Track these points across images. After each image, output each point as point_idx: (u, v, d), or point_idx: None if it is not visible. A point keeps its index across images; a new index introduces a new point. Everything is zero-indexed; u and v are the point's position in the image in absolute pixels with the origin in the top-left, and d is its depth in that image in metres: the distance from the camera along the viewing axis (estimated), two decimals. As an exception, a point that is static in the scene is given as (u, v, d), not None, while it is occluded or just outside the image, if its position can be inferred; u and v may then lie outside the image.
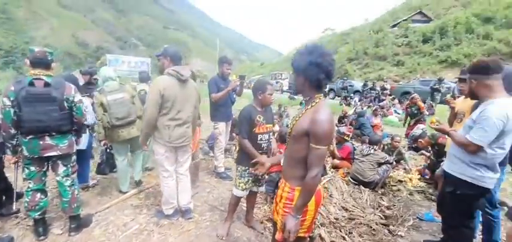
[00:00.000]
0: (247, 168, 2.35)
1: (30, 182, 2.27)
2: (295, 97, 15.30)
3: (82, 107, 2.36)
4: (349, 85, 16.89)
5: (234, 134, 5.29)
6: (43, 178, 2.35)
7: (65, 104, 2.22)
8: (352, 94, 15.87)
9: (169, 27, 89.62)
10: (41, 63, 2.16)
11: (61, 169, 2.34)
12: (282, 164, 1.63)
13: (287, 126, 3.97)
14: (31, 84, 2.08)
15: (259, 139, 2.32)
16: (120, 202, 3.11)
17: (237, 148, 2.59)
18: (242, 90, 4.06)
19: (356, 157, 4.22)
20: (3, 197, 2.78)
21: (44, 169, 2.34)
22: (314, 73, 1.33)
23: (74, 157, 2.45)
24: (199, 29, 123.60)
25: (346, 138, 4.93)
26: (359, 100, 13.77)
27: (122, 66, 21.94)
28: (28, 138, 2.13)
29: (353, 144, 5.20)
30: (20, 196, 2.83)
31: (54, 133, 2.20)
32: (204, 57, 77.57)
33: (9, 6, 51.20)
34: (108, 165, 3.89)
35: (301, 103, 14.67)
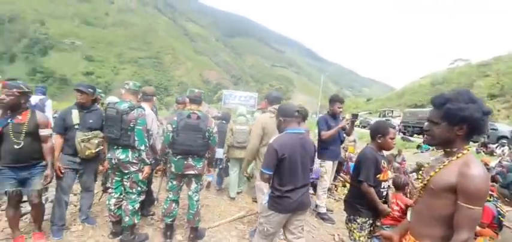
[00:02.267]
0: (367, 219, 2.15)
1: (170, 193, 2.84)
2: (411, 138, 13.07)
3: (216, 139, 2.90)
4: (492, 129, 13.01)
5: (341, 174, 5.01)
6: (179, 192, 2.91)
7: (206, 134, 2.73)
8: (495, 141, 12.15)
9: (277, 65, 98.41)
10: (196, 101, 2.82)
11: (193, 185, 2.84)
12: (408, 219, 1.41)
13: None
14: (189, 116, 2.69)
15: (382, 186, 2.13)
16: (227, 223, 3.42)
17: (348, 194, 2.40)
18: (353, 129, 3.87)
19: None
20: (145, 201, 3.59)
21: (181, 184, 2.89)
22: (478, 123, 1.18)
23: (204, 178, 2.94)
24: (304, 66, 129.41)
25: (488, 198, 3.70)
26: (509, 150, 10.33)
27: (234, 99, 25.44)
28: (177, 157, 2.71)
29: (497, 206, 3.84)
30: (153, 201, 3.63)
31: (195, 156, 2.73)
32: (307, 92, 79.51)
33: (161, 53, 70.20)
34: (225, 173, 4.73)
35: (418, 147, 12.36)
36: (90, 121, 2.80)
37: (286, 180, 2.03)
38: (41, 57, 55.51)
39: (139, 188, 2.73)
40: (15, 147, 2.28)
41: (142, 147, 2.61)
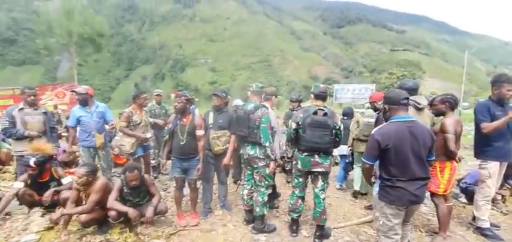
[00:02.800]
0: None
1: (296, 190, 2.96)
2: None
3: (342, 136, 2.83)
4: None
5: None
6: (305, 189, 2.99)
7: (334, 131, 2.69)
8: None
9: (398, 48, 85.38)
10: (321, 96, 2.80)
11: (320, 183, 2.84)
12: None
13: None
14: (315, 113, 2.71)
15: None
16: (354, 225, 3.25)
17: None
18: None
19: None
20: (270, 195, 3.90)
21: (307, 182, 2.97)
22: None
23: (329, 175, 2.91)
24: (436, 44, 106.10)
25: None
26: None
27: (346, 94, 23.97)
28: (304, 154, 2.80)
29: None
30: (278, 195, 3.91)
31: (321, 153, 2.74)
32: (443, 76, 64.96)
33: (270, 56, 74.82)
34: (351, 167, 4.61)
35: None
36: (220, 121, 3.33)
37: (396, 171, 2.00)
38: (181, 74, 71.43)
39: (267, 182, 3.01)
40: (181, 143, 3.00)
41: (267, 144, 2.86)
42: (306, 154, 2.77)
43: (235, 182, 4.45)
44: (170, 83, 68.08)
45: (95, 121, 3.77)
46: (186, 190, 3.39)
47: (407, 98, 2.09)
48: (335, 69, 74.45)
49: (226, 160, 3.26)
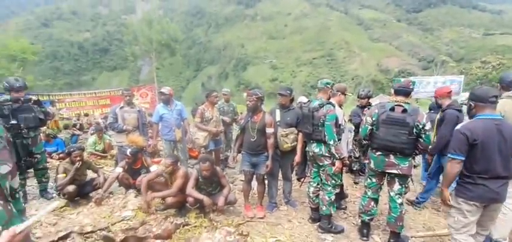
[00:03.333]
0: None
1: (368, 190, 2.85)
2: None
3: (430, 136, 2.51)
4: None
5: None
6: (379, 190, 2.84)
7: (414, 130, 2.45)
8: None
9: (493, 32, 71.12)
10: (402, 92, 2.59)
11: (396, 186, 2.67)
12: None
13: None
14: (392, 109, 2.55)
15: None
16: (436, 236, 2.94)
17: None
18: None
19: None
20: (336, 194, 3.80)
21: (382, 183, 2.82)
22: None
23: (409, 179, 2.69)
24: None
25: None
26: None
27: (426, 87, 21.18)
28: (377, 153, 2.68)
29: None
30: (345, 196, 3.80)
31: (398, 154, 2.56)
32: (562, 64, 51.44)
33: (334, 50, 71.32)
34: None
35: None
36: (288, 119, 3.40)
37: (479, 168, 2.01)
38: (243, 73, 74.37)
39: (333, 181, 2.97)
40: (251, 139, 3.20)
41: (332, 142, 2.81)
42: (379, 153, 2.63)
43: (298, 179, 4.48)
44: (233, 81, 71.65)
45: (175, 118, 4.35)
46: (254, 184, 3.60)
47: (496, 96, 2.04)
48: (411, 60, 66.47)
49: (297, 157, 3.36)
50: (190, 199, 3.24)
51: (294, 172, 4.37)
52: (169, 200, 3.28)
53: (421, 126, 2.43)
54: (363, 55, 69.75)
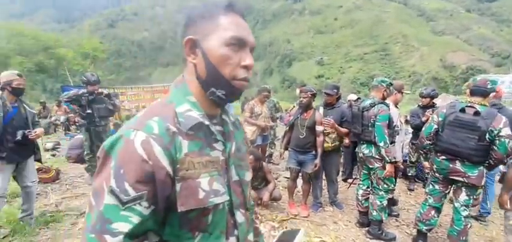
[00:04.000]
0: None
1: (429, 197, 2.62)
2: None
3: (506, 144, 2.14)
4: None
5: None
6: (442, 199, 2.58)
7: (487, 136, 2.18)
8: None
9: None
10: (478, 92, 2.31)
11: (463, 197, 2.39)
12: None
13: None
14: (462, 110, 2.30)
15: None
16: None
17: None
18: None
19: None
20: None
21: (446, 192, 2.56)
22: None
23: (480, 191, 2.42)
24: None
25: None
26: None
27: (501, 86, 18.31)
28: (441, 158, 2.44)
29: None
30: (395, 203, 3.58)
31: (465, 161, 2.29)
32: None
33: (389, 44, 66.06)
34: None
35: None
36: (331, 117, 3.29)
37: None
38: (288, 69, 73.61)
39: (385, 186, 2.80)
40: (300, 136, 3.19)
41: (382, 144, 2.65)
42: (443, 157, 2.41)
43: (344, 180, 4.33)
44: (278, 78, 71.53)
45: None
46: (299, 182, 3.58)
47: None
48: (482, 55, 58.23)
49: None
50: (235, 191, 3.37)
51: (340, 174, 4.25)
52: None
53: (495, 132, 2.13)
54: (422, 49, 63.39)
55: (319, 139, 3.14)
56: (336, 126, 3.24)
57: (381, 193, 2.81)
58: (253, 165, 3.31)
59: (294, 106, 5.69)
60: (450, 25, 71.86)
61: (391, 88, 2.98)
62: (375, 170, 2.82)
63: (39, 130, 2.82)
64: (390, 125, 2.79)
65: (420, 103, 4.32)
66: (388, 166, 2.71)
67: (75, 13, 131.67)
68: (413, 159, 4.50)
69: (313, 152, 3.19)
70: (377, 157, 2.77)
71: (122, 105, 10.61)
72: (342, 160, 4.16)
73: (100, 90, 4.19)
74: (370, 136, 2.77)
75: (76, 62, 25.34)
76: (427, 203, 2.61)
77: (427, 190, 2.65)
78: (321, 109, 3.47)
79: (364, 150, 2.88)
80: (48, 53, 25.55)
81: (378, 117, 2.71)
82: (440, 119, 2.42)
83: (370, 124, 2.77)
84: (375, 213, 2.82)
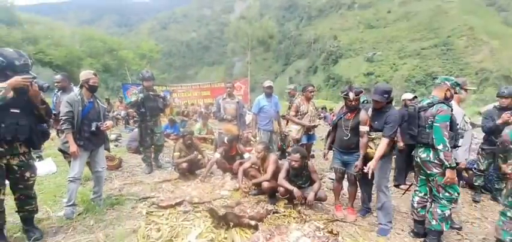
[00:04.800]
0: None
1: (509, 211, 2.40)
2: None
3: None
4: None
5: None
6: None
7: None
8: None
9: None
10: None
11: None
12: None
13: None
14: None
15: None
16: None
17: None
18: None
19: None
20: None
21: None
22: None
23: None
24: None
25: None
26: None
27: None
28: None
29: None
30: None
31: None
32: None
33: (451, 38, 59.06)
34: None
35: None
36: (376, 123, 3.01)
37: None
38: (333, 66, 70.76)
39: (447, 194, 2.56)
40: (344, 137, 3.10)
41: (440, 146, 2.43)
42: None
43: (396, 186, 4.04)
44: (322, 76, 69.43)
45: (273, 109, 4.72)
46: (345, 184, 3.47)
47: None
48: None
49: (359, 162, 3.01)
50: (281, 189, 3.41)
51: (392, 179, 3.99)
52: (265, 185, 3.54)
53: None
54: (493, 43, 55.48)
55: (363, 140, 2.98)
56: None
57: (442, 201, 2.57)
58: (299, 163, 3.30)
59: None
60: (532, 13, 61.48)
61: (457, 88, 2.70)
62: (433, 176, 2.59)
63: (109, 122, 3.26)
64: (452, 127, 2.54)
65: (497, 104, 3.83)
66: (448, 172, 2.46)
67: (133, 18, 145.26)
68: (482, 167, 4.01)
69: (358, 153, 3.06)
70: (436, 161, 2.54)
71: (173, 102, 11.45)
72: (393, 166, 3.89)
73: (154, 88, 4.63)
74: (427, 138, 2.56)
75: (135, 62, 28.17)
76: (507, 216, 2.37)
77: (506, 202, 2.38)
78: (370, 110, 3.27)
79: (421, 153, 2.67)
80: (113, 55, 28.87)
81: (436, 118, 2.48)
82: None
83: (427, 125, 2.56)
84: (434, 223, 2.59)
